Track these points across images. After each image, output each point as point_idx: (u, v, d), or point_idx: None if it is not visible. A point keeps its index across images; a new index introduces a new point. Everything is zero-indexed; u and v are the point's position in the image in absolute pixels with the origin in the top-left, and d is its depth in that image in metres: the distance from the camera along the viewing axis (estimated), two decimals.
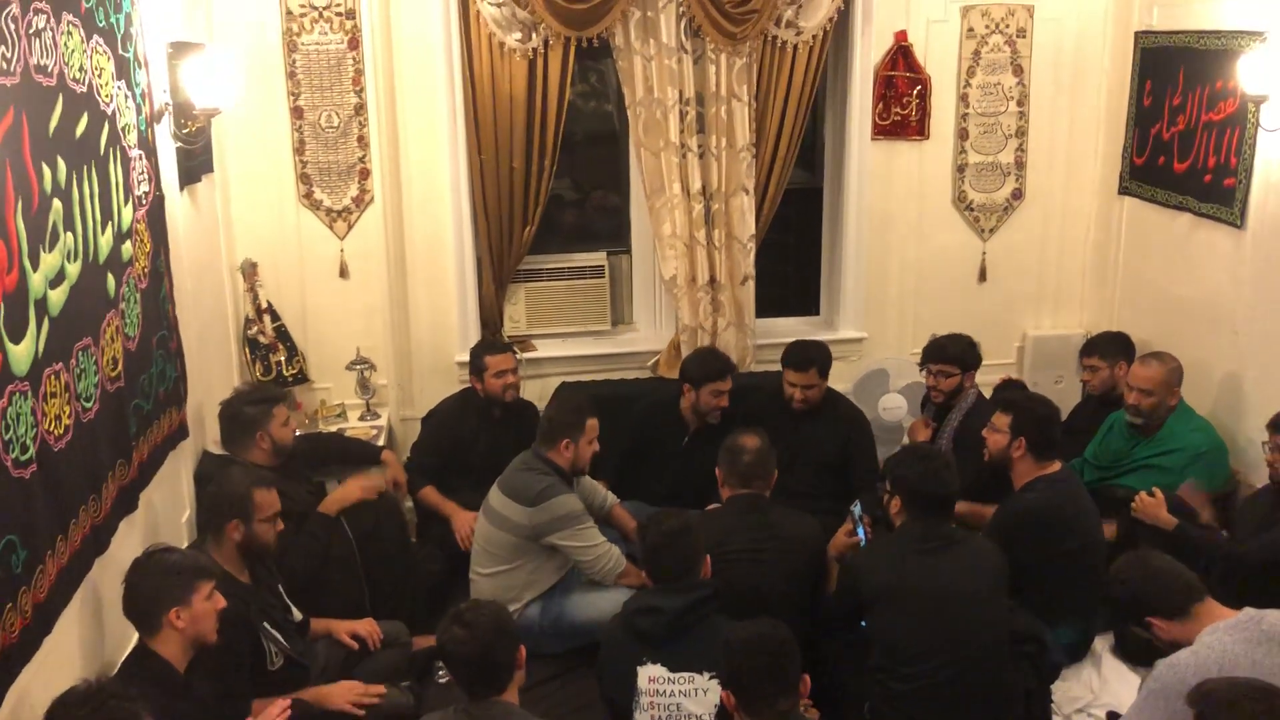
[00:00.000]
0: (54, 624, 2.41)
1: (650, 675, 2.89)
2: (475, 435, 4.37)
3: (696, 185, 4.68)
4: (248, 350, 4.50)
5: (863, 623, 3.19)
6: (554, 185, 4.84)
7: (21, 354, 2.29)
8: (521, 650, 2.55)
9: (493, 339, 4.71)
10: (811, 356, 4.32)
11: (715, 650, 2.69)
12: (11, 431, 2.22)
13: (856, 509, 3.74)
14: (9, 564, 2.19)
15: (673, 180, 4.66)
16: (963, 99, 4.87)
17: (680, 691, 2.86)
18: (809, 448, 4.26)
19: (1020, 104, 4.90)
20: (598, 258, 5.06)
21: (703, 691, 2.84)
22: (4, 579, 2.17)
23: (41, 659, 2.35)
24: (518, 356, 4.55)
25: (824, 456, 4.31)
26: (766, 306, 5.02)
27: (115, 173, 2.96)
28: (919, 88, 4.82)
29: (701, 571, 3.02)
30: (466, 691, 2.50)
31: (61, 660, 2.46)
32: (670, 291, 4.82)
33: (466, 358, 4.82)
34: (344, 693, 3.13)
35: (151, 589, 2.63)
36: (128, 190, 3.06)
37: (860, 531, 3.62)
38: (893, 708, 3.01)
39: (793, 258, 5.39)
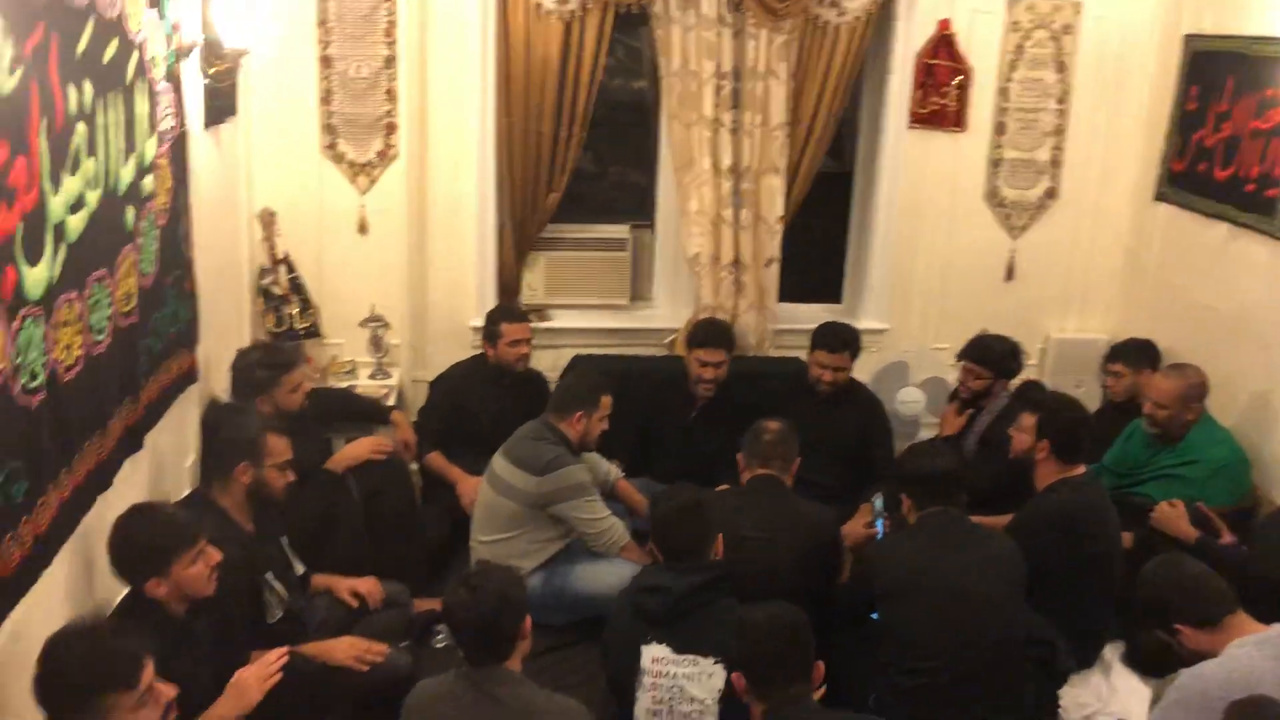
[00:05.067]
0: (53, 558, 2.35)
1: (654, 655, 2.82)
2: (482, 402, 4.31)
3: (727, 162, 4.59)
4: (261, 300, 4.43)
5: (874, 615, 3.13)
6: (581, 157, 4.76)
7: (37, 278, 2.22)
8: (527, 620, 2.48)
9: (510, 306, 4.62)
10: (845, 339, 4.28)
11: (722, 634, 2.64)
12: (22, 357, 2.16)
13: (878, 503, 3.68)
14: (10, 493, 2.13)
15: (703, 155, 4.57)
16: (1002, 92, 4.78)
17: (684, 674, 2.79)
18: (828, 436, 4.20)
19: (1060, 101, 4.81)
20: (621, 230, 4.98)
21: (706, 675, 2.77)
22: (5, 508, 2.11)
23: (40, 593, 2.29)
24: (532, 326, 4.48)
25: (843, 446, 4.26)
26: (788, 292, 4.93)
27: (141, 104, 2.89)
28: (959, 78, 4.73)
29: (713, 552, 2.95)
30: (469, 657, 2.44)
31: (60, 595, 2.40)
32: (692, 269, 4.74)
33: (481, 322, 4.76)
34: (346, 648, 3.07)
35: (128, 560, 2.56)
36: (152, 123, 2.99)
37: (879, 525, 3.56)
38: (898, 701, 2.94)
39: (818, 243, 5.30)
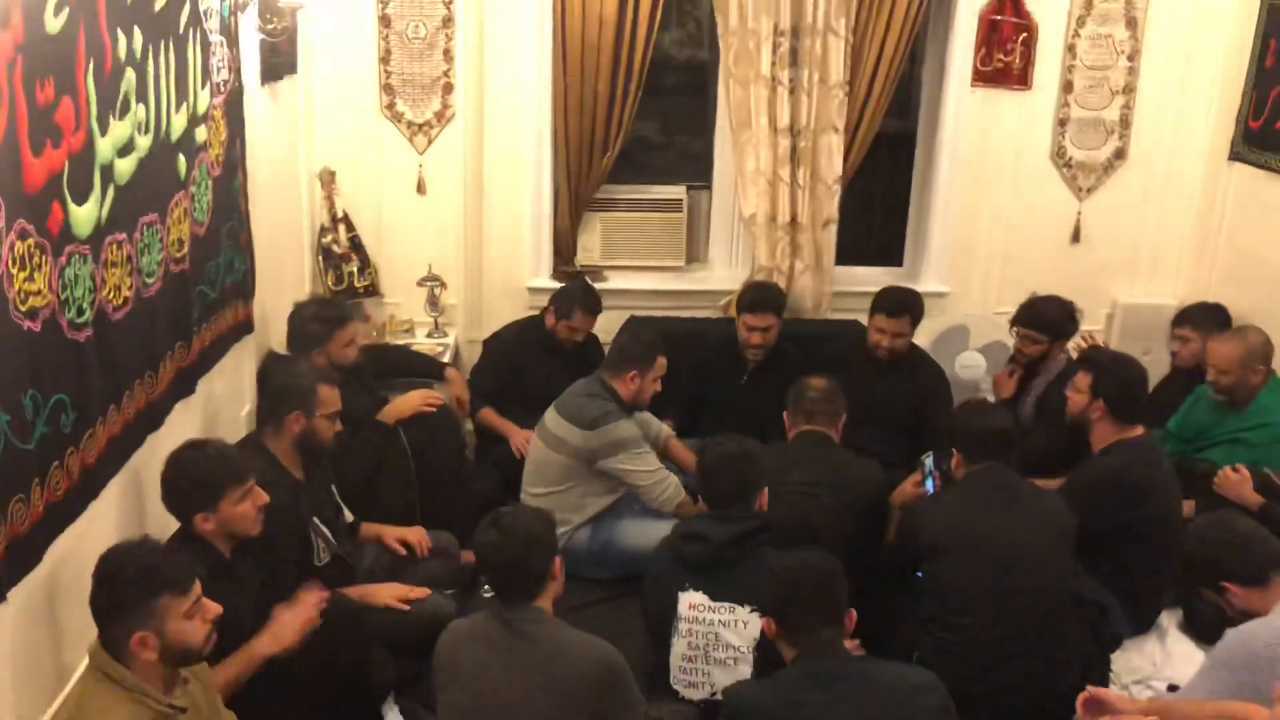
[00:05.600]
0: (100, 491, 2.42)
1: (691, 602, 2.83)
2: (535, 364, 4.33)
3: (784, 121, 4.54)
4: (321, 258, 4.50)
5: (919, 574, 3.10)
6: (645, 127, 4.73)
7: (83, 217, 2.28)
8: (557, 560, 2.50)
9: (594, 297, 4.41)
10: (906, 303, 4.21)
11: (760, 583, 2.62)
12: (69, 292, 2.22)
13: (928, 461, 3.64)
14: (58, 423, 2.20)
15: (760, 114, 4.53)
16: (1070, 49, 4.65)
17: (720, 621, 2.80)
18: (886, 402, 4.16)
19: (1131, 59, 4.66)
20: (677, 191, 4.96)
21: (743, 624, 2.77)
22: (53, 437, 2.18)
23: (85, 525, 2.36)
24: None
25: (900, 412, 4.20)
26: (847, 254, 4.87)
27: (193, 54, 2.94)
28: (1024, 35, 4.61)
29: (757, 503, 2.94)
30: (500, 595, 2.46)
31: (105, 529, 2.47)
32: (749, 230, 4.71)
33: (537, 283, 4.81)
34: (389, 591, 3.13)
35: (178, 492, 2.62)
36: (205, 74, 3.04)
37: (929, 484, 3.52)
38: (940, 659, 2.90)
39: (878, 205, 5.23)
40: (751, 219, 4.66)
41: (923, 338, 4.57)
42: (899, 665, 2.42)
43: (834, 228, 4.70)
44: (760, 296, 4.30)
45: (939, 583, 2.99)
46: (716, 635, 2.80)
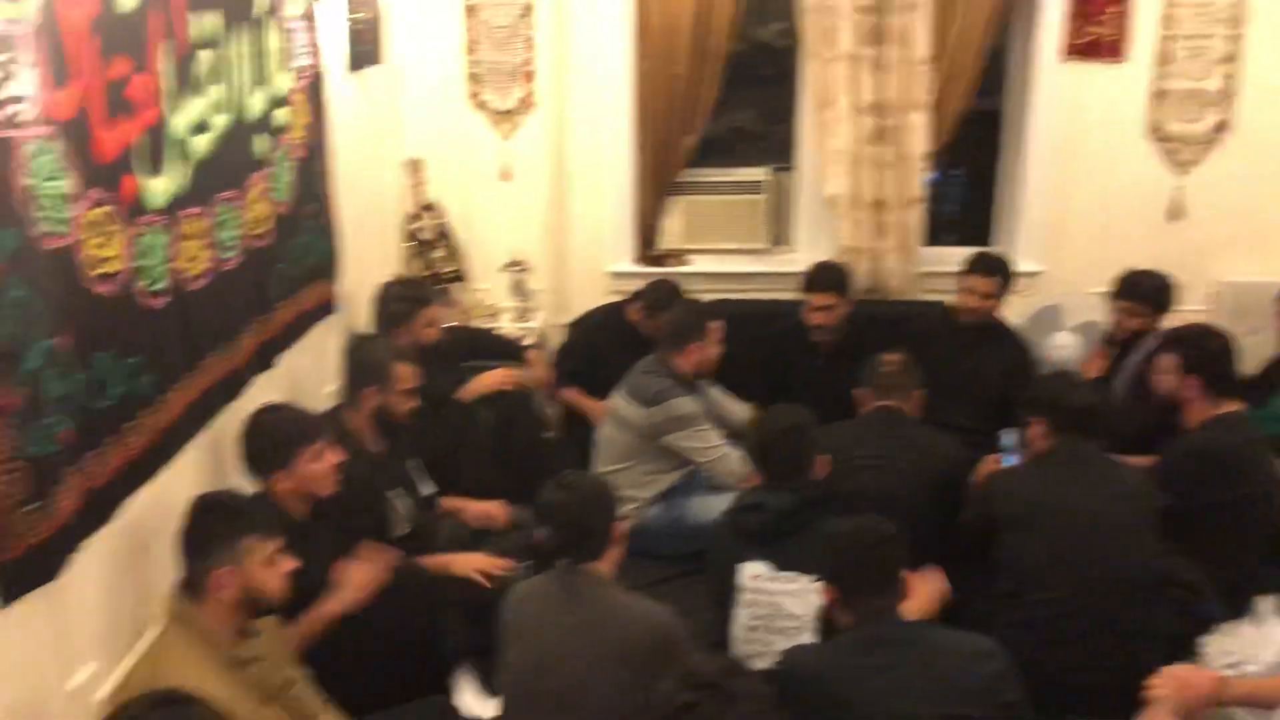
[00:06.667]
0: (175, 453, 2.53)
1: (752, 572, 2.82)
2: (613, 350, 4.35)
3: (868, 99, 4.48)
4: (410, 245, 4.61)
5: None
6: (735, 110, 4.73)
7: (159, 189, 2.39)
8: (617, 525, 2.52)
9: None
10: (998, 264, 4.17)
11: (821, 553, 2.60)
12: (143, 261, 2.33)
13: (1009, 439, 3.55)
14: (135, 383, 2.31)
15: (843, 92, 4.47)
16: (1166, 19, 4.47)
17: (782, 591, 2.78)
18: (972, 379, 4.08)
19: (1233, 26, 4.46)
20: (759, 173, 4.94)
21: (805, 594, 2.74)
22: (130, 396, 2.29)
23: (164, 484, 2.48)
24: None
25: (987, 389, 4.10)
26: (933, 234, 4.78)
27: (271, 39, 3.05)
28: (1118, 4, 4.46)
29: (813, 472, 2.91)
30: (561, 555, 2.50)
31: (184, 490, 2.57)
32: (832, 211, 4.66)
33: (619, 268, 4.84)
34: (467, 561, 3.17)
35: (255, 452, 2.72)
36: (285, 59, 3.15)
37: (1008, 462, 3.43)
38: (1014, 635, 2.80)
39: (965, 184, 5.11)
40: (835, 199, 4.62)
41: (1015, 318, 4.47)
42: (958, 632, 2.37)
43: (920, 207, 4.62)
44: (820, 275, 4.26)
45: (1015, 557, 2.91)
46: (779, 605, 2.78)
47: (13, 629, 1.96)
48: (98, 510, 2.18)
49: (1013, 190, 4.87)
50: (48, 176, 1.94)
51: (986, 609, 2.95)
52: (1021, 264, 4.74)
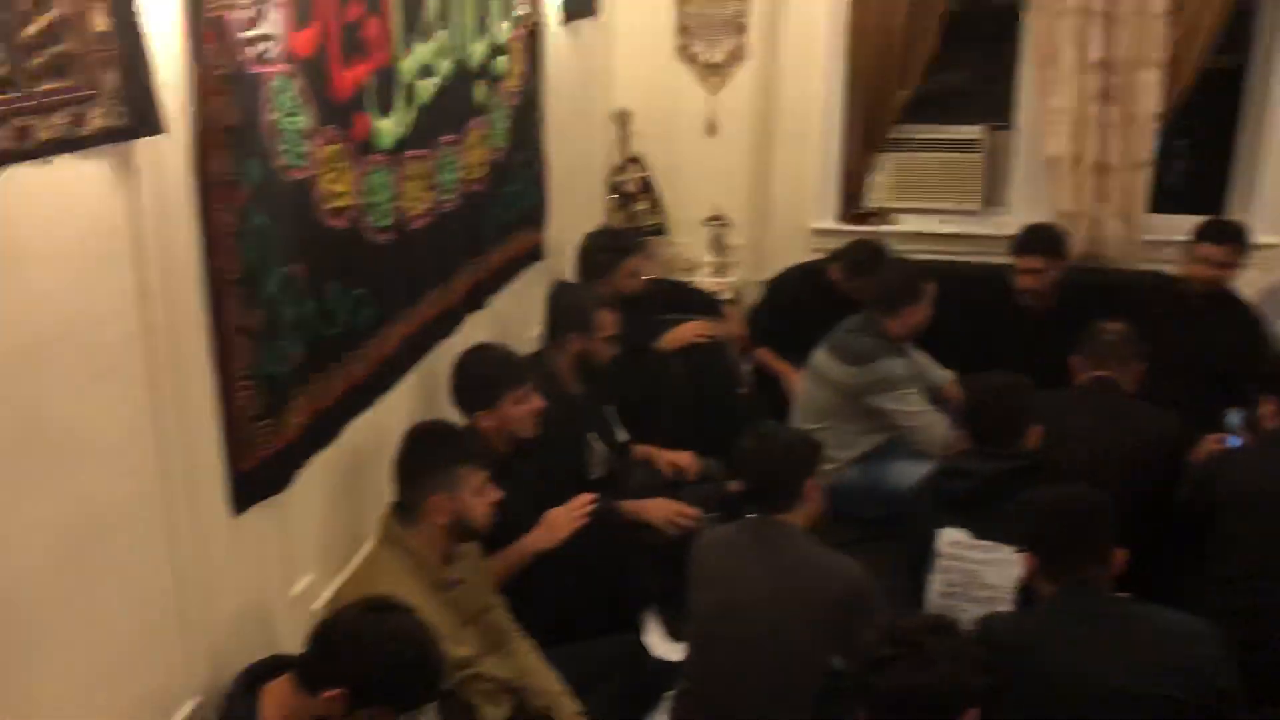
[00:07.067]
0: (392, 383, 2.66)
1: (951, 539, 2.74)
2: (812, 309, 4.29)
3: (1097, 55, 4.24)
4: (613, 196, 4.68)
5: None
6: (953, 70, 4.58)
7: (386, 130, 2.50)
8: (812, 481, 2.50)
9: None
10: (1234, 230, 3.92)
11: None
12: (371, 198, 2.45)
13: (1235, 418, 3.33)
14: (359, 314, 2.43)
15: (1070, 48, 4.24)
16: None
17: (981, 560, 2.70)
18: (1197, 354, 3.83)
19: None
20: (976, 131, 4.75)
21: (1006, 563, 2.65)
22: (354, 326, 2.42)
23: (381, 412, 2.61)
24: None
25: (1212, 366, 3.85)
26: (1158, 200, 4.49)
27: None
28: None
29: (1026, 441, 2.81)
30: (753, 505, 2.51)
31: (399, 419, 2.70)
32: (1052, 172, 4.44)
33: (822, 225, 4.77)
34: (660, 507, 3.20)
35: (464, 388, 2.84)
36: (506, 8, 3.23)
37: (1233, 443, 3.22)
38: (1228, 622, 2.63)
39: (1197, 148, 4.78)
40: (1055, 160, 4.40)
41: (1251, 293, 4.17)
42: (1169, 610, 2.24)
43: (1148, 171, 4.35)
44: (1032, 237, 4.07)
45: (1233, 542, 2.73)
46: (976, 574, 2.70)
47: (244, 537, 2.11)
48: (323, 431, 2.32)
49: (1252, 155, 4.51)
50: (289, 112, 2.05)
51: (1195, 591, 2.80)
52: (1259, 236, 4.41)
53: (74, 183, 1.59)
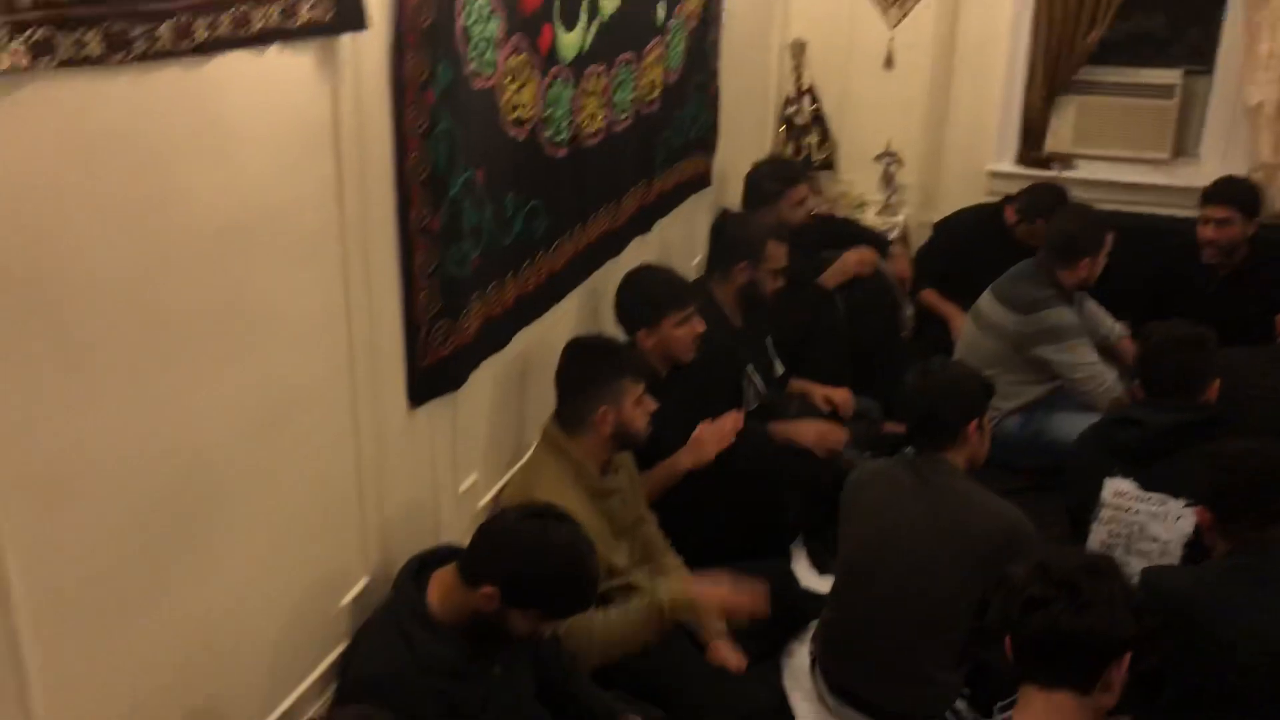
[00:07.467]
0: (562, 296, 2.72)
1: (1117, 489, 2.65)
2: (984, 254, 4.15)
3: None
4: (782, 129, 4.62)
5: None
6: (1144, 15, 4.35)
7: (569, 43, 2.53)
8: (974, 422, 2.44)
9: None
10: None
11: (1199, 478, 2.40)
12: (551, 111, 2.48)
13: None
14: (532, 226, 2.49)
15: None
16: None
17: (1148, 512, 2.60)
18: None
19: None
20: (1170, 76, 4.49)
21: (1174, 517, 2.55)
22: (527, 237, 2.48)
23: (548, 324, 2.68)
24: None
25: None
26: None
27: None
28: None
29: (1205, 394, 2.68)
30: (913, 442, 2.47)
31: (565, 333, 2.76)
32: (1252, 121, 4.18)
33: (999, 168, 4.62)
34: (811, 427, 3.21)
35: (628, 305, 2.88)
36: None
37: None
38: None
39: None
40: (1258, 109, 4.13)
41: None
42: None
43: None
44: (1221, 187, 3.81)
45: None
46: (1142, 526, 2.61)
47: (418, 430, 2.20)
48: (496, 335, 2.39)
49: None
50: (481, 19, 2.09)
51: None
52: None
53: (283, 73, 1.67)
